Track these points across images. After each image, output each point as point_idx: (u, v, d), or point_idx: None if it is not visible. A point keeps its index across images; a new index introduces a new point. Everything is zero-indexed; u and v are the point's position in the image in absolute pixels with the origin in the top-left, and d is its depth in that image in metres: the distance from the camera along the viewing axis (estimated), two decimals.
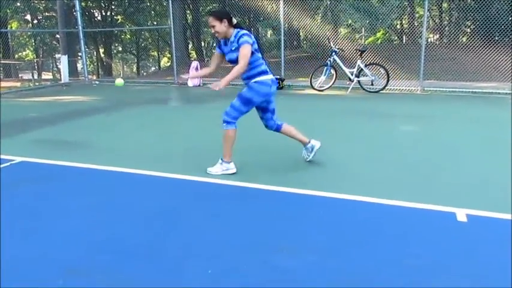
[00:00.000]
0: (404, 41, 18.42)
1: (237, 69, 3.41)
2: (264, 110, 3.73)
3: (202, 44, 25.18)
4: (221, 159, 3.67)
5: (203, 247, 2.39)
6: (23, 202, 3.13)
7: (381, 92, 8.85)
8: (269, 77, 3.57)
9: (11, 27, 26.39)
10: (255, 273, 2.12)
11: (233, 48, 3.48)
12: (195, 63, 10.83)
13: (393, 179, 3.57)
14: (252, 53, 3.45)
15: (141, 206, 3.02)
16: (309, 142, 3.95)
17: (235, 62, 3.49)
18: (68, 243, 2.46)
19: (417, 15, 17.49)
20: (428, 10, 10.76)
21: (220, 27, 3.45)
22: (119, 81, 5.74)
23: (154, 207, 3.01)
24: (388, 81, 8.77)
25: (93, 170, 3.88)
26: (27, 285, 2.05)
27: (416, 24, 17.04)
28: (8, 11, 23.23)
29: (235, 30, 3.48)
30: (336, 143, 4.78)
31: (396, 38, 19.95)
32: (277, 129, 3.83)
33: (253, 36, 3.49)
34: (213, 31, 3.52)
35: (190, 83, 10.67)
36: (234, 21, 3.53)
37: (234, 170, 3.66)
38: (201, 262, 2.22)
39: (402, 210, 2.91)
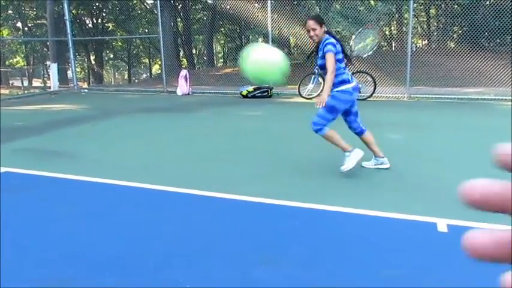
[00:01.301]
0: (393, 48, 18.57)
1: (327, 79, 3.59)
2: (347, 113, 3.87)
3: (193, 51, 25.22)
4: (345, 154, 3.77)
5: (181, 257, 2.39)
6: (2, 212, 3.11)
7: (368, 99, 8.91)
8: (351, 85, 3.71)
9: (2, 34, 26.28)
10: (234, 284, 2.12)
11: (320, 55, 3.65)
12: (183, 72, 10.84)
13: (376, 188, 3.59)
14: (335, 62, 3.57)
15: (118, 217, 3.01)
16: (383, 157, 4.01)
17: (322, 67, 3.68)
18: (41, 253, 2.45)
19: (405, 21, 17.65)
20: (415, 16, 10.87)
21: (320, 31, 3.63)
22: None
23: (134, 217, 3.00)
24: (375, 88, 8.85)
25: (76, 181, 3.86)
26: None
27: (405, 30, 17.19)
28: None
29: (325, 36, 3.64)
30: (319, 151, 4.81)
31: (385, 44, 20.10)
32: (360, 132, 3.96)
33: (339, 46, 3.62)
34: (311, 34, 3.65)
35: (179, 92, 10.67)
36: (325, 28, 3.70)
37: (362, 153, 3.77)
38: (177, 271, 2.22)
39: (383, 220, 2.93)
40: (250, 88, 9.65)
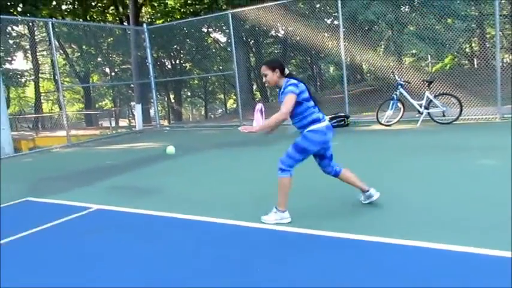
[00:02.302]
0: (476, 65, 17.53)
1: (275, 117, 3.47)
2: (321, 156, 3.67)
3: (266, 84, 25.69)
4: (275, 207, 3.60)
5: None
6: (93, 251, 3.28)
7: (454, 122, 8.38)
8: (323, 124, 3.51)
9: (93, 80, 28.77)
10: None
11: (282, 97, 3.51)
12: (259, 105, 10.98)
13: (471, 220, 3.30)
14: (301, 102, 3.46)
15: (207, 254, 3.04)
16: (368, 190, 3.80)
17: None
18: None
19: (488, 35, 16.64)
20: (500, 30, 10.20)
21: (272, 76, 3.55)
22: (170, 149, 5.81)
23: (224, 255, 3.01)
24: (461, 110, 8.31)
25: (163, 217, 4.01)
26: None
27: (488, 46, 16.20)
28: (90, 66, 25.44)
29: (285, 80, 3.53)
30: (407, 181, 4.56)
31: (467, 62, 19.06)
32: (336, 174, 3.75)
33: (302, 86, 3.49)
34: (264, 80, 3.63)
35: (255, 125, 10.82)
36: (286, 71, 3.58)
37: (289, 220, 3.56)
38: None
39: (474, 257, 2.65)
40: (327, 118, 9.55)
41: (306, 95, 3.50)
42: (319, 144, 3.50)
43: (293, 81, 3.48)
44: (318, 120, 3.51)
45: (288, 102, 3.39)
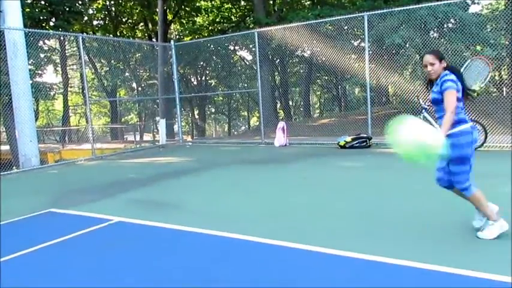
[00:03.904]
0: (504, 93, 17.20)
1: (446, 120, 3.26)
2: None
3: (290, 103, 25.80)
4: (488, 221, 3.42)
5: None
6: (113, 262, 3.31)
7: (479, 149, 8.20)
8: (468, 125, 3.37)
9: (120, 94, 29.44)
10: None
11: (435, 90, 3.44)
12: (281, 124, 11.06)
13: (496, 250, 3.21)
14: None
15: (225, 270, 3.03)
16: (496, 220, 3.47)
17: (434, 102, 3.46)
18: None
19: None
20: None
21: (439, 66, 3.43)
22: None
23: (239, 272, 3.00)
24: (486, 137, 8.14)
25: (181, 231, 4.03)
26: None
27: None
28: (118, 81, 26.07)
29: (444, 72, 3.43)
30: (428, 204, 4.48)
31: (495, 90, 18.73)
32: (449, 186, 3.59)
33: (460, 84, 3.38)
34: (429, 69, 3.45)
35: (276, 143, 10.86)
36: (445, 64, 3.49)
37: (507, 227, 3.40)
38: None
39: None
40: (348, 138, 9.49)
41: (460, 94, 3.38)
42: (470, 145, 3.34)
43: (451, 76, 3.36)
44: (464, 121, 3.36)
45: (451, 101, 3.26)
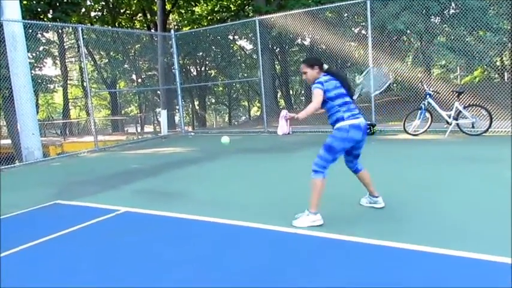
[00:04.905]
0: (506, 79, 17.14)
1: (308, 108, 3.64)
2: (348, 152, 3.80)
3: (291, 92, 25.71)
4: (307, 210, 3.63)
5: None
6: (124, 252, 3.31)
7: (484, 134, 8.19)
8: (346, 122, 3.58)
9: (119, 86, 29.31)
10: None
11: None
12: (284, 112, 10.98)
13: (501, 232, 3.20)
14: (326, 101, 3.64)
15: (233, 257, 3.03)
16: (377, 197, 3.98)
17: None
18: None
19: None
20: None
21: (311, 73, 3.76)
22: (225, 139, 5.37)
23: (249, 260, 3.00)
24: (491, 122, 8.11)
25: (187, 220, 4.03)
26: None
27: None
28: (118, 72, 25.94)
29: (322, 76, 3.72)
30: (437, 191, 4.46)
31: (497, 75, 18.65)
32: (356, 171, 3.93)
33: (332, 83, 3.65)
34: (304, 77, 3.83)
35: (279, 132, 10.82)
36: (325, 66, 3.80)
37: (321, 222, 3.60)
38: None
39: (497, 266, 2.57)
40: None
41: (333, 94, 3.64)
42: (343, 141, 3.59)
43: (324, 78, 3.67)
44: (341, 119, 3.61)
45: (315, 94, 3.62)
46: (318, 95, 3.60)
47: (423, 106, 8.71)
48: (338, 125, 3.61)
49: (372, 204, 4.00)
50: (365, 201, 4.07)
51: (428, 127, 8.83)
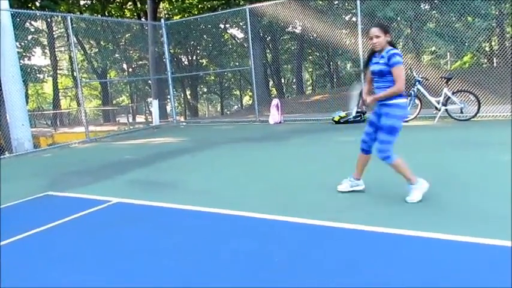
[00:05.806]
0: (495, 64, 17.25)
1: (393, 91, 3.54)
2: (376, 130, 3.82)
3: (282, 80, 25.69)
4: (410, 185, 3.70)
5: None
6: (115, 243, 3.34)
7: (472, 119, 8.29)
8: (404, 99, 3.66)
9: (110, 76, 29.09)
10: None
11: (381, 61, 3.60)
12: (275, 101, 11.05)
13: (493, 213, 3.27)
14: (388, 75, 3.57)
15: (225, 246, 3.08)
16: (359, 179, 4.08)
17: (377, 74, 3.66)
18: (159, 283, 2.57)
19: (508, 35, 16.35)
20: None
21: (384, 39, 3.59)
22: None
23: (241, 248, 3.05)
24: (479, 107, 8.21)
25: (180, 210, 4.06)
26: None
27: (508, 45, 15.91)
28: (108, 62, 25.72)
29: (389, 47, 3.61)
30: (429, 174, 4.53)
31: (486, 61, 18.76)
32: (368, 151, 3.99)
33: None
34: (374, 41, 3.61)
35: (271, 120, 10.86)
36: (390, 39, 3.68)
37: (427, 184, 3.71)
38: None
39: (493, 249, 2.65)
40: (343, 113, 9.51)
41: None
42: (402, 119, 3.63)
43: (398, 51, 3.57)
44: (401, 95, 3.62)
45: (402, 75, 3.51)
46: (402, 74, 3.51)
47: (412, 93, 8.78)
48: (397, 100, 3.59)
49: (354, 187, 4.09)
50: (346, 186, 4.10)
51: (418, 113, 8.91)
